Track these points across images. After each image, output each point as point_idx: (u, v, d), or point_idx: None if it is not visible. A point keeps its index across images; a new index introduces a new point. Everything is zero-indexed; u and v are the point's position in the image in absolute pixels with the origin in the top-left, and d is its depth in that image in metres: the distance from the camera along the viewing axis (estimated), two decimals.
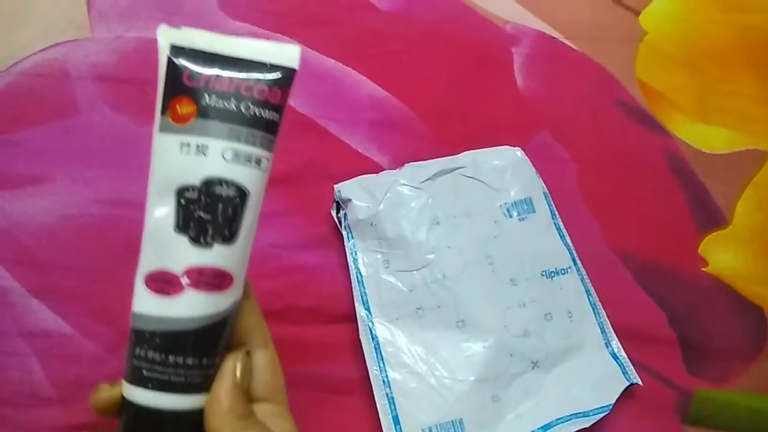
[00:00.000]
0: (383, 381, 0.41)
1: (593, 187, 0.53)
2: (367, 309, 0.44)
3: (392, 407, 0.41)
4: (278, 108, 0.27)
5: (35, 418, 0.40)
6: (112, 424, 0.28)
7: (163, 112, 0.27)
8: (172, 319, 0.26)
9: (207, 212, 0.26)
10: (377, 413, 0.41)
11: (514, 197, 0.48)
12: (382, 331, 0.43)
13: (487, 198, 0.47)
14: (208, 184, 0.26)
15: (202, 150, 0.26)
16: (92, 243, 0.45)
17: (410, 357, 0.42)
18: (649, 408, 0.45)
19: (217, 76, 0.26)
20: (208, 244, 0.26)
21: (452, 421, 0.41)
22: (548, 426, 0.41)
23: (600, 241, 0.51)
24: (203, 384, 0.27)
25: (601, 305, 0.47)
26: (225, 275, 0.26)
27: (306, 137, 0.51)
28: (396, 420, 0.40)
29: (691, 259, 0.52)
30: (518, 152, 0.50)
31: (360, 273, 0.45)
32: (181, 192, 0.26)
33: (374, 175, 0.48)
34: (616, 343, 0.46)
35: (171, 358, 0.26)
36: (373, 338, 0.43)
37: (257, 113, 0.27)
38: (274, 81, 0.27)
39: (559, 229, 0.49)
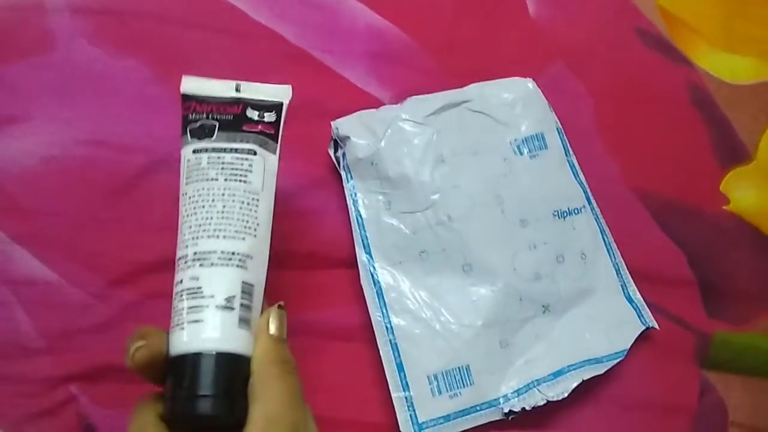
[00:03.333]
0: (386, 327, 0.39)
1: (610, 122, 0.50)
2: (369, 253, 0.41)
3: (396, 354, 0.39)
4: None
5: (23, 370, 0.38)
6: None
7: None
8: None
9: None
10: (380, 360, 0.39)
11: (525, 133, 0.44)
12: (384, 275, 0.41)
13: (495, 134, 0.44)
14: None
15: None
16: (75, 186, 0.42)
17: (414, 302, 0.40)
18: (666, 352, 0.43)
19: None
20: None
21: (459, 368, 0.39)
22: (559, 372, 0.39)
23: (617, 180, 0.48)
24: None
25: (616, 246, 0.44)
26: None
27: (299, 71, 0.47)
28: (400, 367, 0.39)
29: (712, 197, 0.49)
30: (529, 84, 0.46)
31: (360, 215, 0.42)
32: None
33: (374, 110, 0.44)
34: (631, 286, 0.44)
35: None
36: (375, 283, 0.40)
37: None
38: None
39: (572, 166, 0.46)
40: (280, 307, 0.31)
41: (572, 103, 0.50)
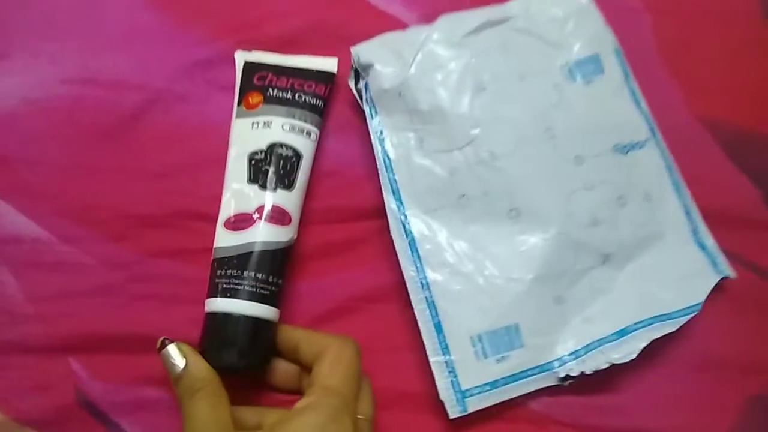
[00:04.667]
0: (421, 283, 0.34)
1: (673, 42, 0.43)
2: (399, 200, 0.36)
3: (433, 313, 0.34)
4: (323, 97, 0.37)
5: (11, 337, 0.34)
6: None
7: (239, 103, 0.37)
8: (246, 244, 0.33)
9: (272, 166, 0.35)
10: (416, 321, 0.34)
11: (578, 55, 0.38)
12: (417, 224, 0.35)
13: (544, 56, 0.37)
14: (272, 147, 0.35)
15: (267, 125, 0.36)
16: (63, 130, 0.37)
17: (453, 254, 0.35)
18: (743, 305, 0.38)
19: (278, 77, 0.37)
20: (273, 189, 0.34)
21: (506, 327, 0.34)
22: (624, 332, 0.34)
23: (682, 109, 0.41)
24: (270, 298, 0.33)
25: (685, 185, 0.38)
26: (285, 213, 0.34)
27: None
28: (438, 328, 0.34)
29: None
30: None
31: (388, 156, 0.36)
32: (252, 155, 0.35)
33: (401, 32, 0.38)
34: (703, 231, 0.38)
35: (245, 273, 0.32)
36: (407, 234, 0.35)
37: (306, 100, 0.37)
38: (318, 79, 0.38)
39: (633, 93, 0.39)
40: None
41: (629, 22, 0.43)
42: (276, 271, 0.33)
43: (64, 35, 0.39)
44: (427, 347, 0.33)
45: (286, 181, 0.34)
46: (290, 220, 0.34)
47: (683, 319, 0.35)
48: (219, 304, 0.32)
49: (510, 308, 0.34)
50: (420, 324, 0.34)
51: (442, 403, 0.33)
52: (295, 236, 0.35)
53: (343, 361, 0.30)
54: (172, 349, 0.30)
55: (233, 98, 0.37)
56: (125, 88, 0.38)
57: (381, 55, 0.37)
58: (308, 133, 0.36)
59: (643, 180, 0.37)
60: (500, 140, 0.35)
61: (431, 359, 0.33)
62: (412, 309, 0.34)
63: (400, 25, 0.40)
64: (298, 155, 0.35)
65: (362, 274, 0.37)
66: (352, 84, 0.38)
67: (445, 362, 0.33)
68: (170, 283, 0.36)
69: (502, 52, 0.37)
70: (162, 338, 0.31)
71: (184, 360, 0.30)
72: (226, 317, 0.32)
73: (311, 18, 0.40)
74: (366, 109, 0.37)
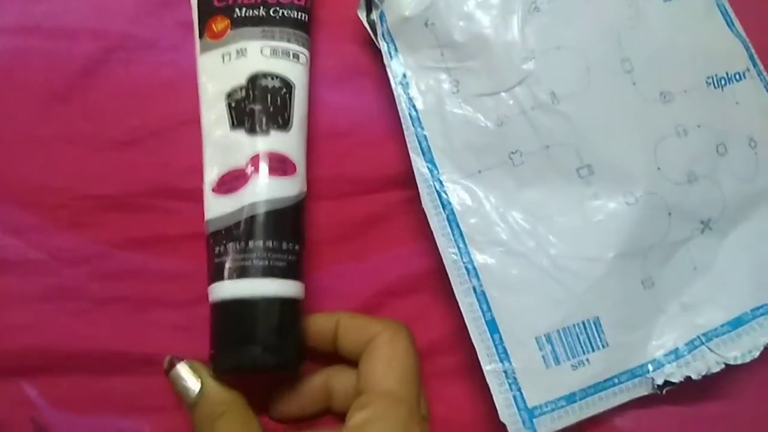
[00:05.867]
0: (467, 269, 0.26)
1: None
2: (431, 161, 0.27)
3: (485, 308, 0.26)
4: (305, 9, 0.30)
5: None
6: None
7: (201, 35, 0.29)
8: (246, 207, 0.26)
9: (257, 103, 0.27)
10: (461, 319, 0.26)
11: None
12: (457, 192, 0.27)
13: None
14: (254, 79, 0.28)
15: (242, 53, 0.28)
16: (0, 94, 0.29)
17: (507, 229, 0.26)
18: None
19: None
20: (264, 131, 0.27)
21: (583, 323, 0.26)
22: (739, 322, 0.26)
23: None
24: (289, 269, 0.26)
25: None
26: (286, 160, 0.27)
27: None
28: (492, 326, 0.26)
29: None
30: None
31: (414, 106, 0.28)
32: (230, 95, 0.28)
33: None
34: None
35: (252, 244, 0.25)
36: (444, 205, 0.27)
37: (285, 14, 0.29)
38: None
39: (725, 12, 0.30)
40: None
41: None
42: (290, 234, 0.26)
43: None
44: (478, 352, 0.25)
45: (279, 119, 0.27)
46: (294, 169, 0.27)
47: None
48: (227, 289, 0.25)
49: (586, 297, 0.26)
50: (467, 322, 0.26)
51: (503, 427, 0.25)
52: (305, 189, 0.28)
53: (399, 354, 0.25)
54: (184, 370, 0.25)
55: None
56: (77, 36, 0.30)
57: None
58: (296, 56, 0.29)
59: (745, 120, 0.29)
60: (562, 76, 0.27)
61: (485, 368, 0.25)
62: (456, 303, 0.26)
63: None
64: (288, 85, 0.28)
65: (388, 261, 0.29)
66: (362, 15, 0.30)
67: (504, 371, 0.25)
68: (144, 280, 0.28)
69: None
70: (169, 357, 0.25)
71: (200, 382, 0.25)
72: (239, 304, 0.25)
73: None
74: (382, 46, 0.29)
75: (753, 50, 0.30)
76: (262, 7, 0.29)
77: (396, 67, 0.29)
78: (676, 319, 0.26)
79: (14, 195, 0.28)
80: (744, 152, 0.28)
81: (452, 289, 0.26)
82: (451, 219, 0.27)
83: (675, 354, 0.26)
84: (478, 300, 0.26)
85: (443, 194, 0.27)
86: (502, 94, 0.27)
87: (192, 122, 0.28)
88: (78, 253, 0.28)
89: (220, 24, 0.29)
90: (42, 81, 0.29)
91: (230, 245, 0.26)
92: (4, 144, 0.29)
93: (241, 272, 0.25)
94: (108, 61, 0.29)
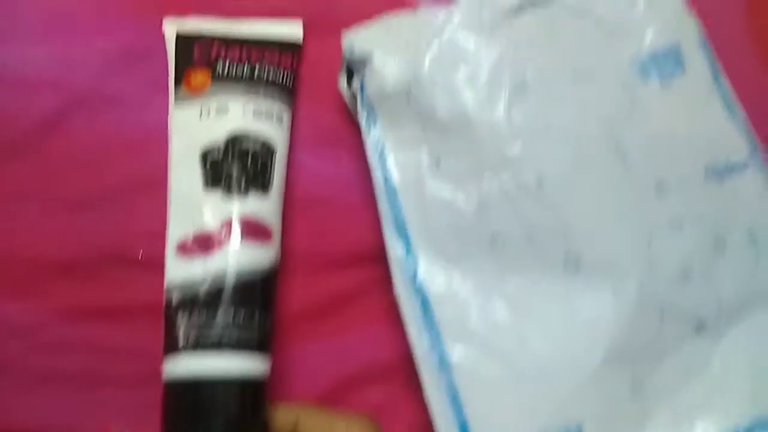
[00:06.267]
0: (439, 364, 0.24)
1: None
2: (406, 242, 0.26)
3: (457, 409, 0.23)
4: (290, 71, 0.29)
5: None
6: None
7: (177, 86, 0.28)
8: (215, 274, 0.24)
9: (237, 164, 0.26)
10: (428, 417, 0.23)
11: (652, 45, 0.28)
12: (433, 278, 0.25)
13: (606, 47, 0.28)
14: (234, 139, 0.26)
15: (222, 111, 0.27)
16: None
17: (485, 322, 0.24)
18: None
19: (228, 47, 0.28)
20: (242, 194, 0.26)
21: (565, 430, 0.23)
22: None
23: None
24: (256, 344, 0.24)
25: None
26: (263, 226, 0.26)
27: None
28: (464, 429, 0.23)
29: None
30: None
31: (391, 181, 0.26)
32: (205, 153, 0.26)
33: (409, 14, 0.28)
34: None
35: (218, 314, 0.23)
36: (417, 291, 0.25)
37: (270, 74, 0.28)
38: (283, 48, 0.29)
39: (725, 97, 0.29)
40: None
41: (710, 2, 0.33)
42: (260, 306, 0.25)
43: None
44: None
45: (259, 182, 0.26)
46: (270, 235, 0.26)
47: None
48: (184, 364, 0.23)
49: (570, 402, 0.23)
50: (437, 424, 0.23)
51: None
52: (279, 258, 0.26)
53: None
54: None
55: None
56: (36, 89, 0.28)
57: (383, 45, 0.27)
58: (279, 118, 0.28)
59: (745, 215, 0.27)
60: (550, 160, 0.25)
61: None
62: (423, 397, 0.23)
63: (408, 4, 0.31)
64: (270, 148, 0.27)
65: (358, 344, 0.27)
66: (343, 83, 0.28)
67: None
68: (92, 354, 0.26)
69: (549, 41, 0.27)
70: None
71: None
72: (196, 383, 0.23)
73: None
74: (362, 116, 0.27)
75: (755, 139, 0.29)
76: (246, 65, 0.28)
77: (374, 138, 0.27)
78: (666, 428, 0.24)
79: None
80: (743, 248, 0.26)
81: (421, 382, 0.24)
82: (425, 306, 0.25)
83: None
84: (450, 400, 0.23)
85: (418, 278, 0.25)
86: (485, 175, 0.25)
87: (153, 184, 0.27)
88: (18, 323, 0.26)
89: (199, 77, 0.27)
90: None
91: (193, 314, 0.23)
92: None
93: (203, 345, 0.23)
94: (69, 116, 0.28)
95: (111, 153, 0.28)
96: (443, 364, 0.24)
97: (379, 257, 0.27)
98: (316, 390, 0.26)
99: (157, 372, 0.24)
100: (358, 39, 0.27)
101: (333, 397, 0.26)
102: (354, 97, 0.28)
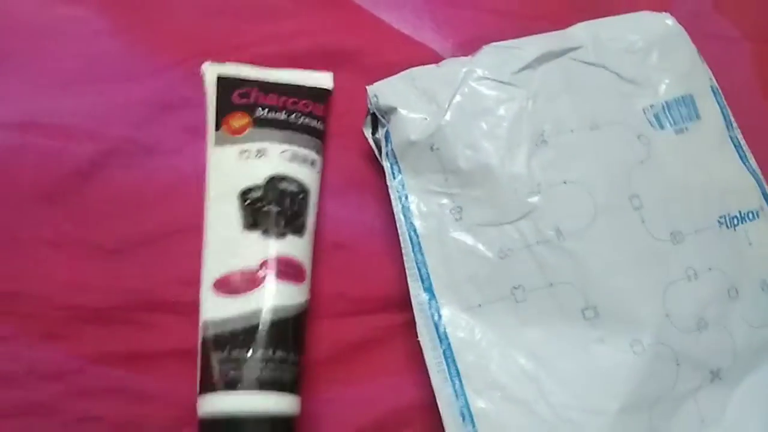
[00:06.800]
0: (462, 413, 0.24)
1: None
2: (429, 290, 0.26)
3: None
4: (322, 118, 0.30)
5: None
6: None
7: (217, 128, 0.29)
8: (251, 312, 0.25)
9: (275, 206, 0.27)
10: None
11: (666, 95, 0.29)
12: (456, 326, 0.26)
13: (621, 97, 0.28)
14: (272, 181, 0.27)
15: (262, 153, 0.28)
16: None
17: (506, 371, 0.25)
18: None
19: (266, 94, 0.30)
20: (281, 235, 0.26)
21: None
22: None
23: None
24: (289, 383, 0.25)
25: None
26: (299, 266, 0.27)
27: (316, 14, 0.32)
28: None
29: None
30: (668, 20, 0.30)
31: (414, 230, 0.27)
32: (245, 194, 0.27)
33: (432, 66, 0.29)
34: None
35: (253, 353, 0.24)
36: (441, 339, 0.26)
37: (304, 120, 0.30)
38: (315, 96, 0.31)
39: (738, 146, 0.30)
40: None
41: (720, 52, 0.34)
42: (292, 345, 0.25)
43: (6, 68, 0.30)
44: None
45: (295, 224, 0.27)
46: (305, 276, 0.27)
47: None
48: (221, 402, 0.23)
49: None
50: None
51: None
52: (308, 298, 0.27)
53: None
54: None
55: None
56: (73, 137, 0.29)
57: (407, 97, 0.28)
58: (312, 163, 0.29)
59: (759, 263, 0.28)
60: (569, 212, 0.26)
61: None
62: None
63: (431, 56, 0.32)
64: (305, 190, 0.28)
65: (380, 391, 0.27)
66: (368, 133, 0.29)
67: None
68: (123, 400, 0.27)
69: (566, 92, 0.28)
70: None
71: None
72: (232, 421, 0.23)
73: (319, 44, 0.32)
74: (386, 165, 0.28)
75: (766, 186, 0.30)
76: (284, 111, 0.29)
77: (398, 187, 0.28)
78: None
79: None
80: (757, 296, 0.27)
81: (445, 429, 0.24)
82: (448, 354, 0.25)
83: None
84: None
85: (440, 326, 0.26)
86: (506, 226, 0.26)
87: (186, 230, 0.28)
88: (53, 368, 0.27)
89: (240, 120, 0.29)
90: (34, 180, 0.29)
91: (231, 352, 0.24)
92: None
93: (238, 383, 0.24)
94: (105, 164, 0.29)
95: (145, 199, 0.29)
96: (466, 414, 0.25)
97: (403, 303, 0.28)
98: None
99: (185, 416, 0.24)
100: (382, 91, 0.28)
101: None
102: (378, 145, 0.29)
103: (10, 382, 0.26)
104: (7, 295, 0.27)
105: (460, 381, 0.25)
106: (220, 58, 0.31)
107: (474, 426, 0.24)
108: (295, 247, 0.27)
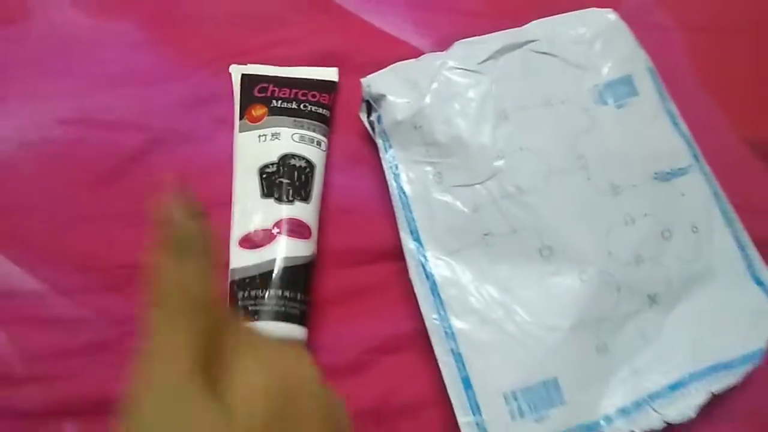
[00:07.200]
0: (445, 332, 0.31)
1: (710, 61, 0.40)
2: (417, 239, 0.32)
3: (460, 366, 0.30)
4: (328, 106, 0.36)
5: (3, 401, 0.31)
6: None
7: (241, 117, 0.35)
8: (267, 262, 0.31)
9: (286, 178, 0.33)
10: (440, 375, 0.30)
11: (609, 76, 0.35)
12: (439, 267, 0.32)
13: (571, 79, 0.35)
14: (284, 158, 0.34)
15: (276, 136, 0.34)
16: (58, 175, 0.35)
17: (480, 299, 0.31)
18: None
19: (280, 88, 0.36)
20: (290, 202, 0.33)
21: (543, 382, 0.30)
22: (678, 385, 0.30)
23: (726, 131, 0.38)
24: (299, 316, 0.31)
25: (735, 214, 0.34)
26: (305, 226, 0.33)
27: (316, 20, 0.39)
28: (467, 383, 0.30)
29: None
30: (610, 15, 0.36)
31: (404, 193, 0.33)
32: (262, 169, 0.33)
33: (414, 60, 0.35)
34: (759, 264, 0.34)
35: (269, 292, 0.31)
36: (427, 277, 0.32)
37: (312, 109, 0.35)
38: (323, 88, 0.36)
39: (671, 115, 0.36)
40: None
41: (661, 40, 0.40)
42: (302, 287, 0.31)
43: (61, 75, 0.37)
44: (454, 406, 0.30)
45: (302, 192, 0.33)
46: (310, 233, 0.33)
47: (745, 369, 0.30)
48: None
49: (547, 360, 0.30)
50: (445, 379, 0.30)
51: None
52: (316, 251, 0.33)
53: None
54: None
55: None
56: (123, 129, 0.36)
57: (394, 85, 0.34)
58: (318, 143, 0.35)
59: (688, 210, 0.33)
60: (527, 172, 0.32)
61: (460, 420, 0.29)
62: (436, 361, 0.30)
63: (413, 52, 0.38)
64: (311, 166, 0.34)
65: (380, 323, 0.33)
66: (363, 116, 0.36)
67: (476, 423, 0.29)
68: None
69: (524, 77, 0.34)
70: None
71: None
72: None
73: (320, 45, 0.38)
74: (379, 142, 0.35)
75: (697, 148, 0.36)
76: (294, 101, 0.35)
77: (389, 159, 0.34)
78: (626, 382, 0.30)
79: (65, 261, 0.34)
80: (687, 237, 0.33)
81: (433, 349, 0.30)
82: (434, 289, 0.32)
83: (624, 412, 0.30)
84: (455, 360, 0.30)
85: (427, 268, 0.32)
86: (477, 186, 0.32)
87: (220, 203, 0.34)
88: (118, 313, 0.33)
89: (259, 110, 0.35)
90: (93, 165, 0.35)
91: (251, 292, 0.31)
92: (60, 218, 0.34)
93: (257, 315, 0.30)
94: (150, 150, 0.35)
95: (184, 178, 0.35)
96: (449, 333, 0.31)
97: (396, 254, 0.34)
98: (345, 358, 0.33)
99: None
100: (374, 80, 0.35)
101: (360, 365, 0.33)
102: (372, 126, 0.35)
103: (83, 326, 0.33)
104: (83, 254, 0.34)
105: (444, 308, 0.31)
106: (239, 60, 0.37)
107: (455, 341, 0.30)
108: (303, 211, 0.33)
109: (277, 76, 0.36)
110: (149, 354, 0.17)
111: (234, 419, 0.16)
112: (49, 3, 0.39)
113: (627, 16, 0.37)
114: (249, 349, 0.18)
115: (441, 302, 0.31)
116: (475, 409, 0.29)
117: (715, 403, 0.30)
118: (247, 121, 0.35)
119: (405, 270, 0.32)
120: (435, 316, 0.31)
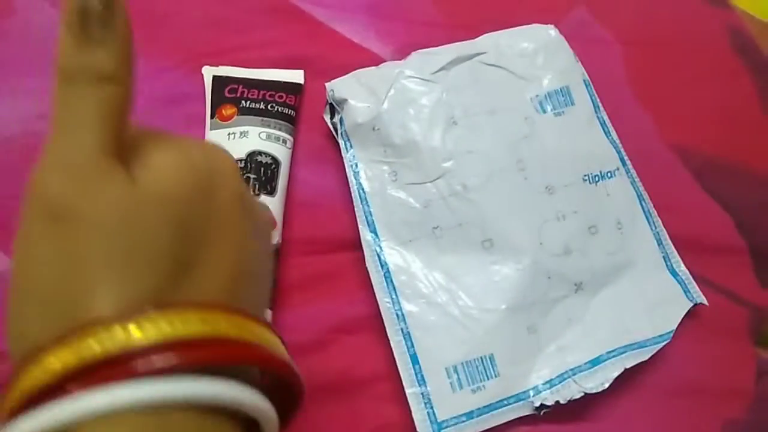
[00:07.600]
0: (397, 314, 0.34)
1: (643, 72, 0.44)
2: (374, 231, 0.36)
3: (409, 344, 0.34)
4: (294, 107, 0.39)
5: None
6: None
7: (212, 116, 0.38)
8: None
9: (253, 173, 0.36)
10: (392, 352, 0.34)
11: (548, 87, 0.39)
12: (392, 256, 0.36)
13: (514, 89, 0.38)
14: (251, 155, 0.36)
15: (244, 135, 0.37)
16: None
17: (428, 285, 0.35)
18: (716, 330, 0.38)
19: (249, 89, 0.39)
20: (256, 195, 0.35)
21: (481, 358, 0.34)
22: (597, 361, 0.35)
23: (653, 137, 0.43)
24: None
25: (656, 213, 0.39)
26: (270, 218, 0.34)
27: (286, 27, 0.42)
28: (414, 359, 0.34)
29: (760, 152, 0.43)
30: (551, 31, 0.40)
31: (362, 189, 0.37)
32: None
33: (374, 68, 0.39)
34: (675, 258, 0.38)
35: None
36: (382, 265, 0.35)
37: (279, 109, 0.38)
38: (289, 89, 0.39)
39: (603, 124, 0.40)
40: None
41: (598, 53, 0.44)
42: None
43: (43, 70, 0.39)
44: (403, 378, 0.33)
45: (268, 186, 0.36)
46: (275, 224, 0.36)
47: (655, 348, 0.35)
48: None
49: (484, 339, 0.34)
50: (396, 355, 0.34)
51: None
52: (280, 240, 0.37)
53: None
54: None
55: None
56: None
57: (355, 91, 0.38)
58: (284, 141, 0.38)
59: (614, 209, 0.38)
60: (472, 172, 0.36)
61: (407, 390, 0.33)
62: (388, 339, 0.34)
63: (375, 58, 0.41)
64: (276, 162, 0.37)
65: (339, 306, 0.37)
66: (327, 118, 0.39)
67: (422, 393, 0.33)
68: None
69: (473, 86, 0.38)
70: None
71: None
72: None
73: (288, 51, 0.41)
74: (341, 142, 0.38)
75: (624, 153, 0.40)
76: (262, 102, 0.38)
77: (350, 158, 0.38)
78: (552, 358, 0.35)
79: None
80: (611, 232, 0.37)
81: (386, 329, 0.34)
82: (387, 276, 0.35)
83: (549, 384, 0.34)
84: (405, 339, 0.34)
85: (382, 256, 0.36)
86: (428, 184, 0.36)
87: None
88: None
89: (229, 110, 0.38)
90: None
91: None
92: None
93: None
94: None
95: None
96: (400, 315, 0.35)
97: (354, 244, 0.37)
98: (307, 337, 0.36)
99: None
100: (337, 86, 0.38)
101: (321, 343, 0.36)
102: (335, 127, 0.39)
103: None
104: None
105: (396, 293, 0.35)
106: (211, 62, 0.40)
107: (405, 322, 0.34)
108: (269, 204, 0.36)
109: (246, 78, 0.39)
110: (55, 128, 0.17)
111: (142, 191, 0.16)
112: (31, 1, 0.41)
113: (567, 31, 0.41)
114: (167, 137, 0.18)
115: (393, 288, 0.35)
116: (421, 381, 0.33)
117: (626, 375, 0.34)
118: (217, 119, 0.38)
119: (362, 259, 0.36)
120: (388, 300, 0.35)
